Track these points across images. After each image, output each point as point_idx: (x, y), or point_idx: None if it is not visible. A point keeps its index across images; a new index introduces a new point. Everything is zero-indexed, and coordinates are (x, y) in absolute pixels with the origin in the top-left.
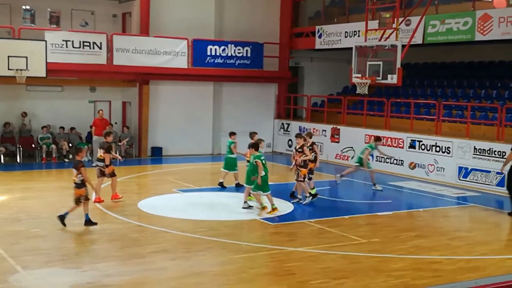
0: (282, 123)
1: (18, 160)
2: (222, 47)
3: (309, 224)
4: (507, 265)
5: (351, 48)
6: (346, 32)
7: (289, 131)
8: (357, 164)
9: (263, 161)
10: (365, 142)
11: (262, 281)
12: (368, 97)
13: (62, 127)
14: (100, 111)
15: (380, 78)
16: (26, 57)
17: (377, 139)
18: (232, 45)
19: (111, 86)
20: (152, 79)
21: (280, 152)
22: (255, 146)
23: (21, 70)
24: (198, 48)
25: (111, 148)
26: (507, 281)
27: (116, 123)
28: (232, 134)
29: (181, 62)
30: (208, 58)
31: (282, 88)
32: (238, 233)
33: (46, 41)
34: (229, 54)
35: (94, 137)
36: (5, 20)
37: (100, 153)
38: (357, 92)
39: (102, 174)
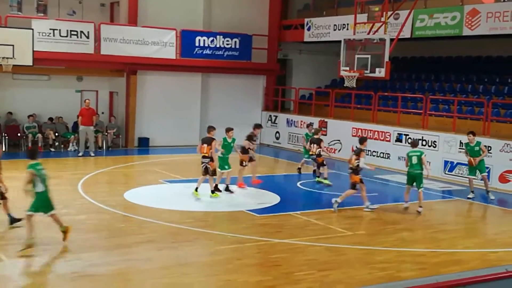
0: (270, 115)
1: (4, 148)
2: (211, 38)
3: (295, 216)
4: (490, 259)
5: (339, 41)
6: (335, 25)
7: (276, 123)
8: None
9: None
10: (352, 136)
11: (248, 272)
12: (356, 90)
13: (51, 118)
14: (87, 101)
15: (368, 71)
16: (13, 45)
17: (471, 133)
18: (221, 37)
19: (98, 76)
20: (140, 69)
21: (267, 144)
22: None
23: (7, 58)
24: (186, 38)
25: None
26: (490, 274)
27: (103, 113)
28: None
29: (169, 52)
30: (197, 49)
31: (270, 80)
32: (225, 224)
33: (33, 29)
34: (218, 46)
35: (81, 127)
36: None
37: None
38: (345, 85)
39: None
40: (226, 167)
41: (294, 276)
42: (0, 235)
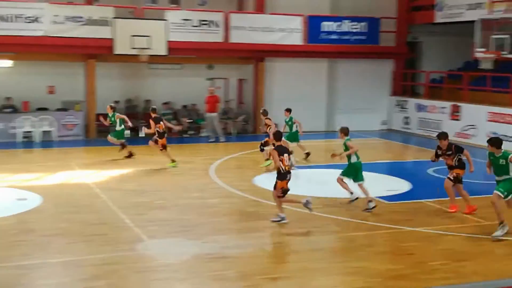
0: (399, 100)
1: (143, 134)
2: (337, 23)
3: (427, 204)
4: None
5: (473, 21)
6: (468, 4)
7: (406, 108)
8: None
9: None
10: (488, 120)
11: (379, 260)
12: (491, 73)
13: (185, 106)
14: (211, 88)
15: (507, 52)
16: (149, 36)
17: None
18: (348, 21)
19: (228, 64)
20: (267, 56)
21: (396, 130)
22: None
23: (143, 48)
24: (313, 24)
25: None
26: None
27: (233, 100)
28: None
29: (296, 38)
30: (323, 34)
31: (399, 64)
32: (354, 210)
33: (166, 20)
34: (345, 30)
35: (206, 114)
36: (128, 0)
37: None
38: (480, 67)
39: None
40: None
41: (427, 265)
42: (141, 217)
